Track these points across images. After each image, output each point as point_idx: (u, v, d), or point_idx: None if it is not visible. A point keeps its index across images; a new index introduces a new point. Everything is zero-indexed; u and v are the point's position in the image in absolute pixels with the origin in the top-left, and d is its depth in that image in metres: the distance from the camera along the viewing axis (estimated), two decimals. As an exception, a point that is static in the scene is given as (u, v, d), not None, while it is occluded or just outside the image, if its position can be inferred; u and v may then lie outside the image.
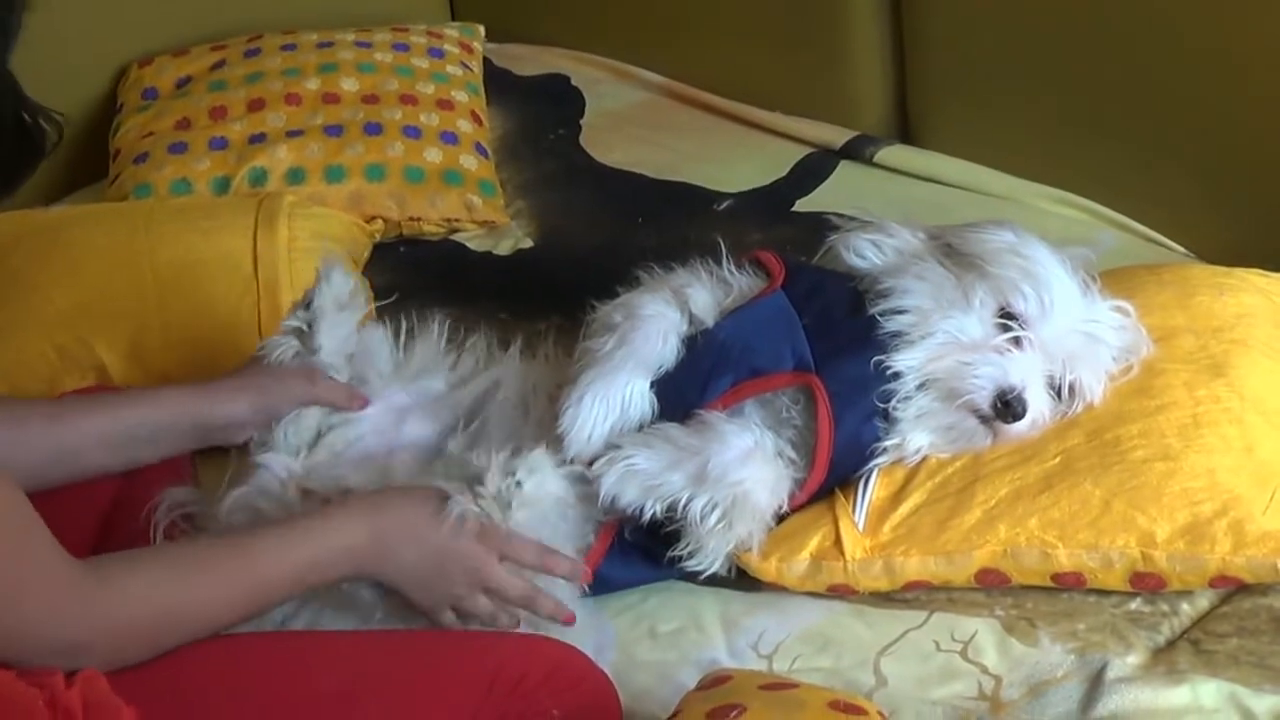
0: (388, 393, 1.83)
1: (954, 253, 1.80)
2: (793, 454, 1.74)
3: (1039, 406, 1.74)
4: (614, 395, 1.73)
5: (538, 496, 1.61)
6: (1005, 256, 1.77)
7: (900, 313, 1.74)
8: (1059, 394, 1.77)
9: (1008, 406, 1.71)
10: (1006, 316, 1.74)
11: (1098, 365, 1.77)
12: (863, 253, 1.83)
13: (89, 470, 1.67)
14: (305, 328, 1.79)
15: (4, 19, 1.26)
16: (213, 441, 1.76)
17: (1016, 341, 1.73)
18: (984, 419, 1.73)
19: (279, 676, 1.47)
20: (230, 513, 1.69)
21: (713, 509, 1.68)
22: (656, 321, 1.78)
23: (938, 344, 1.73)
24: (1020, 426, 1.73)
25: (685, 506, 1.68)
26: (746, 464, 1.69)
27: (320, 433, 1.79)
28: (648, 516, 1.69)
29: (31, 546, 1.36)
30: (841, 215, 1.99)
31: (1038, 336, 1.74)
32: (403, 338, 1.89)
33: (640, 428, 1.74)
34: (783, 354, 1.75)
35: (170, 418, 1.72)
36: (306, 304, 1.80)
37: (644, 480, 1.68)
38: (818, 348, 1.75)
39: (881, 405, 1.73)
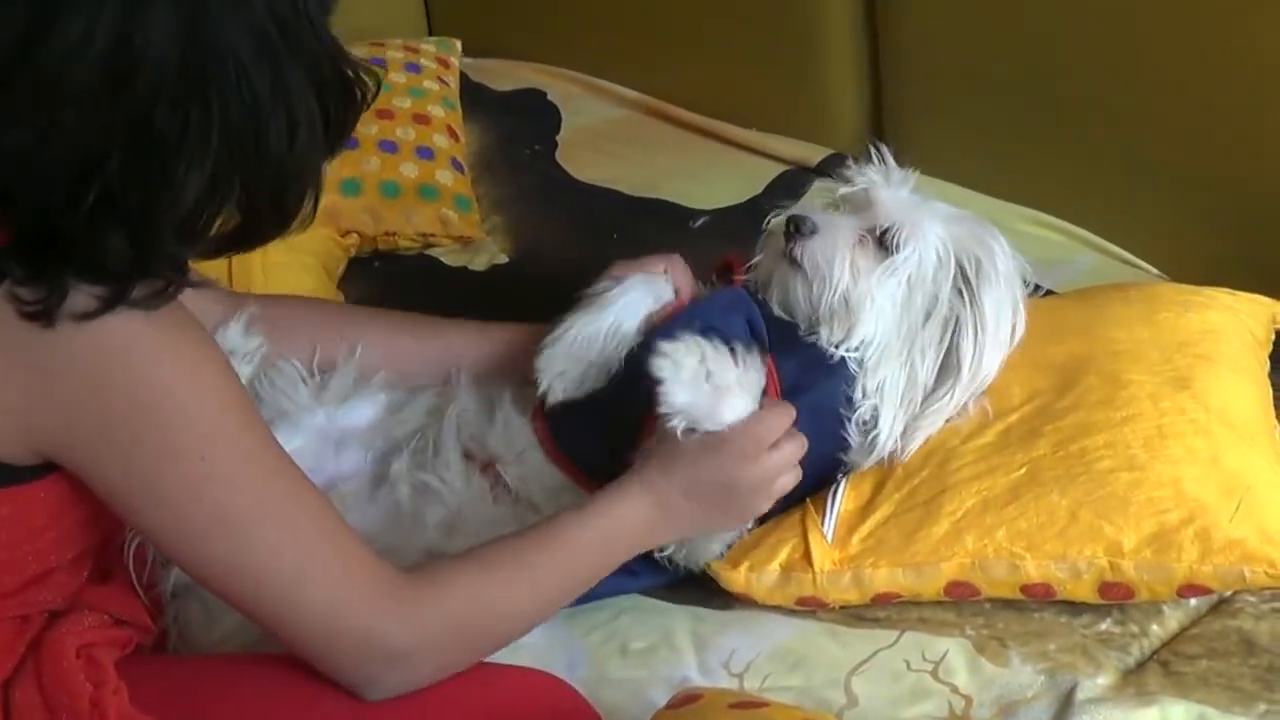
0: (312, 421, 1.82)
1: None
2: None
3: (838, 234, 1.75)
4: (598, 330, 1.76)
5: None
6: None
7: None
8: (881, 241, 1.77)
9: (793, 225, 1.75)
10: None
11: (922, 224, 1.78)
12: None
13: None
14: None
15: None
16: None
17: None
18: (785, 254, 1.76)
19: (285, 701, 1.49)
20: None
21: None
22: (652, 288, 1.82)
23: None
24: (821, 246, 1.75)
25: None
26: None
27: None
28: (678, 426, 1.63)
29: (350, 547, 1.44)
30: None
31: (851, 204, 1.80)
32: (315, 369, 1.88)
33: (611, 378, 1.76)
34: (740, 330, 1.75)
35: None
36: None
37: (714, 391, 1.64)
38: (773, 333, 1.76)
39: (843, 391, 1.75)
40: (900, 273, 1.76)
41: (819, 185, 2.54)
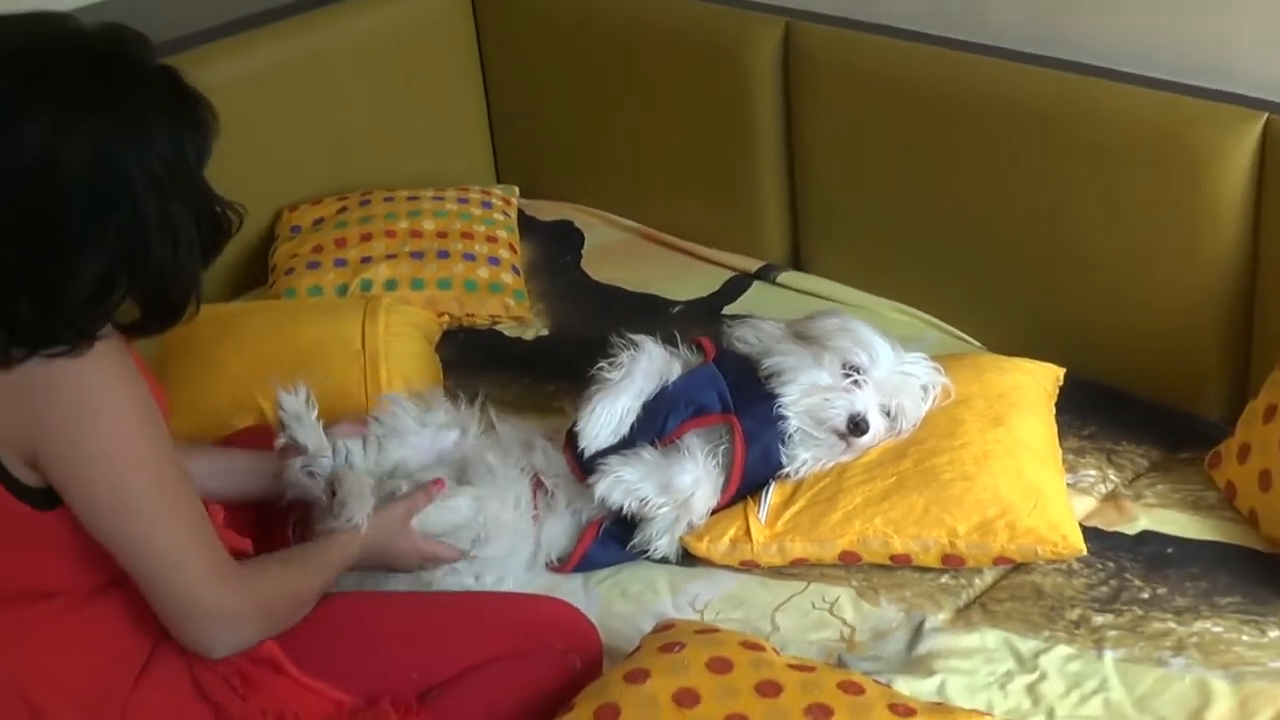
0: (418, 440, 1.79)
1: (802, 335, 1.83)
2: (720, 471, 1.75)
3: (877, 425, 1.76)
4: (616, 410, 1.75)
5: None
6: (838, 333, 1.80)
7: (777, 374, 1.77)
8: (889, 416, 1.78)
9: (857, 426, 1.74)
10: (848, 369, 1.76)
11: (913, 394, 1.79)
12: (744, 339, 1.86)
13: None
14: (291, 441, 1.66)
15: (202, 148, 1.28)
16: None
17: (856, 384, 1.75)
18: (841, 436, 1.75)
19: (370, 617, 1.50)
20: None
21: (664, 507, 1.70)
22: (653, 364, 1.80)
23: (803, 387, 1.74)
24: (866, 439, 1.75)
25: (648, 504, 1.69)
26: (697, 484, 1.72)
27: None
28: (626, 511, 1.70)
29: (212, 543, 1.36)
30: (733, 316, 2.01)
31: (871, 380, 1.76)
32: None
33: (622, 440, 1.75)
34: (713, 401, 1.77)
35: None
36: (281, 426, 1.67)
37: (626, 487, 1.69)
38: (737, 399, 1.77)
39: (780, 435, 1.75)
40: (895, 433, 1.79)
41: (758, 284, 2.55)
